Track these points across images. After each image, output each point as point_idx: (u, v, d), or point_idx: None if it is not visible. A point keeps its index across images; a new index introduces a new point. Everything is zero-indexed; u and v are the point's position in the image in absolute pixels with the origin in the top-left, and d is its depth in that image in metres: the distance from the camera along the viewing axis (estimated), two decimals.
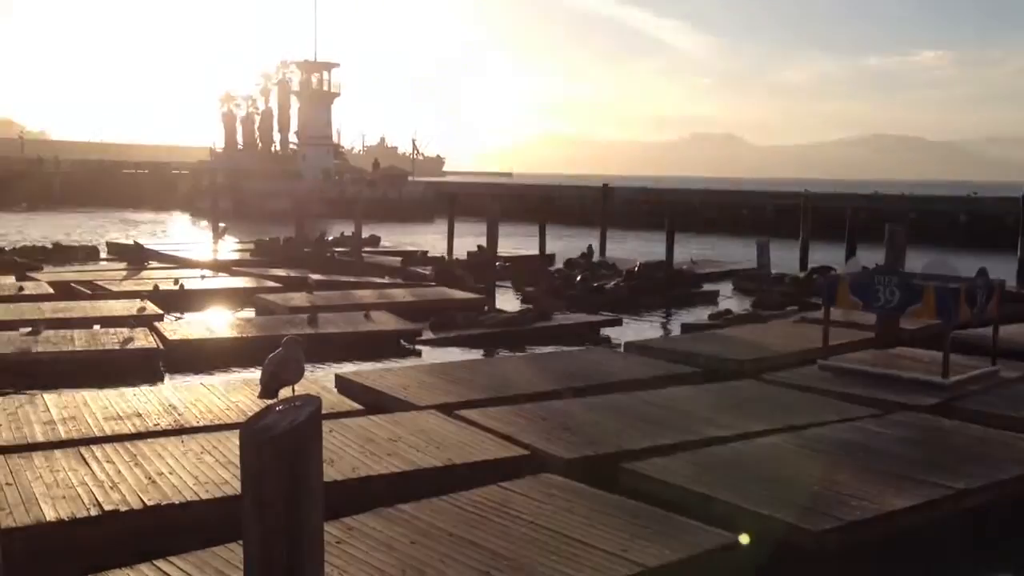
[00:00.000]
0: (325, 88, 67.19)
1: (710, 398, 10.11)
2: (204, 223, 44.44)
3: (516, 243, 36.86)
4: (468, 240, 32.09)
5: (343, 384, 10.62)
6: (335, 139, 68.49)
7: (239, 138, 68.45)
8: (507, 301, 20.41)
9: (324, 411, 9.21)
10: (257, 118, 68.14)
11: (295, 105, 67.45)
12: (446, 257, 27.75)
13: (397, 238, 40.67)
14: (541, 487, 7.13)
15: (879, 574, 6.63)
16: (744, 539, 6.09)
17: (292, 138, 68.06)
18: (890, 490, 7.10)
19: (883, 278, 10.82)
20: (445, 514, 6.49)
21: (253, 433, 3.12)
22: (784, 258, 31.23)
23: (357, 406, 9.60)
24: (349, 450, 7.88)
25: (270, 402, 4.09)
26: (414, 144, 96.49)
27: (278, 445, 3.06)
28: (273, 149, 67.81)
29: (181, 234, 40.81)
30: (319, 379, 10.98)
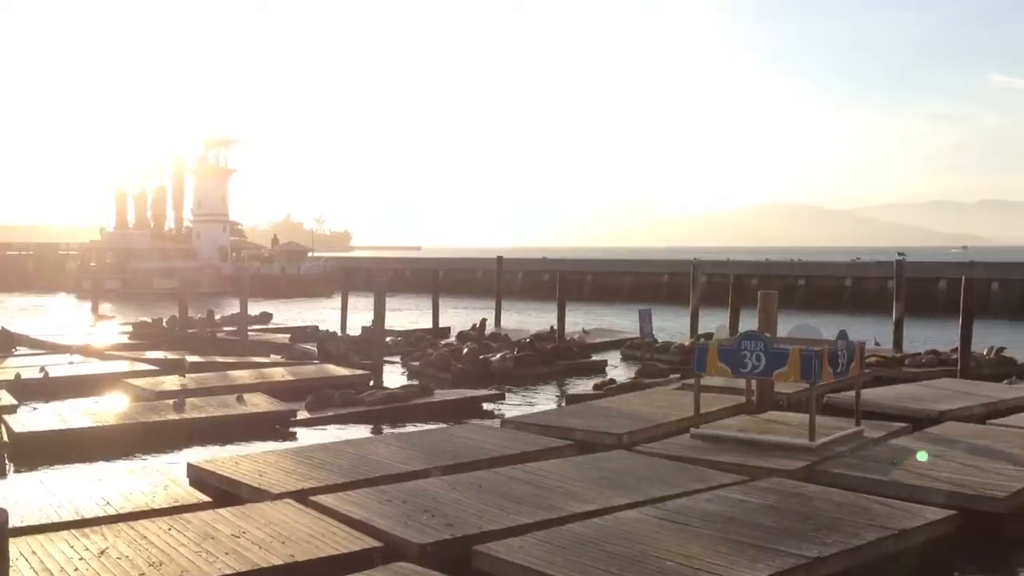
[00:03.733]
0: (222, 164, 66.26)
1: (579, 472, 9.90)
2: (89, 305, 42.70)
3: (416, 317, 36.53)
4: (367, 315, 31.55)
5: (195, 474, 10.03)
6: (231, 216, 67.29)
7: (131, 216, 66.78)
8: (395, 377, 20.00)
9: (167, 505, 8.67)
10: (150, 195, 66.66)
11: (191, 182, 66.27)
12: (339, 333, 27.18)
13: (293, 314, 39.85)
14: None
15: None
16: None
17: (188, 215, 66.71)
18: (743, 561, 6.95)
19: (750, 344, 10.88)
20: None
21: None
22: (677, 326, 31.72)
23: (205, 498, 9.04)
24: (183, 550, 7.34)
25: None
26: (316, 221, 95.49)
27: None
28: (167, 227, 66.25)
29: (62, 318, 39.04)
30: (170, 469, 10.36)
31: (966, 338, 18.15)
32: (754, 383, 13.40)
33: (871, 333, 25.19)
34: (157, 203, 66.27)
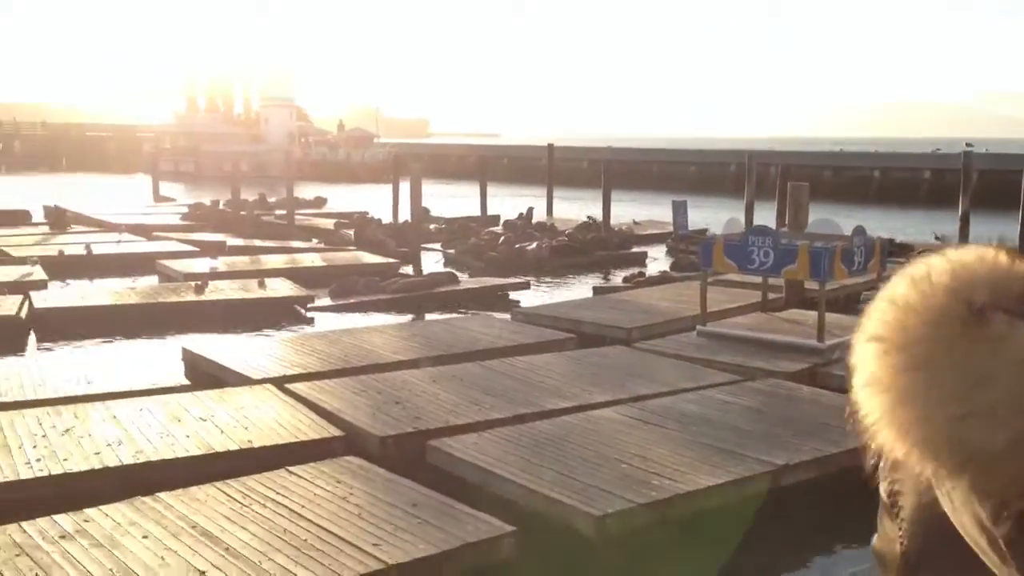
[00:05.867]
0: (290, 47, 65.93)
1: (570, 367, 9.63)
2: (165, 186, 43.46)
3: (476, 204, 36.24)
4: (432, 202, 31.43)
5: (188, 357, 10.09)
6: (298, 102, 67.31)
7: (201, 102, 67.42)
8: (433, 265, 19.89)
9: (147, 387, 8.71)
10: (219, 81, 67.04)
11: (259, 68, 66.24)
12: (383, 220, 27.10)
13: (351, 200, 39.93)
14: (332, 471, 6.63)
15: (666, 557, 6.14)
16: (511, 530, 5.61)
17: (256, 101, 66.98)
18: (704, 467, 6.65)
19: (757, 239, 10.29)
20: (205, 505, 5.98)
21: None
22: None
23: (185, 381, 9.12)
24: (148, 431, 7.38)
25: None
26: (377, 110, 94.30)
27: None
28: (236, 112, 66.75)
29: (126, 197, 39.86)
30: (167, 352, 10.46)
31: None
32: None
33: (936, 228, 24.02)
34: (225, 88, 66.68)
